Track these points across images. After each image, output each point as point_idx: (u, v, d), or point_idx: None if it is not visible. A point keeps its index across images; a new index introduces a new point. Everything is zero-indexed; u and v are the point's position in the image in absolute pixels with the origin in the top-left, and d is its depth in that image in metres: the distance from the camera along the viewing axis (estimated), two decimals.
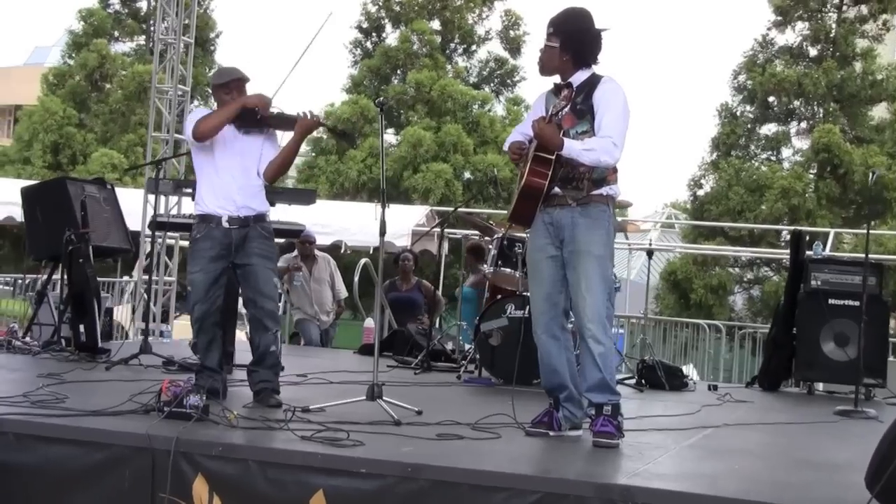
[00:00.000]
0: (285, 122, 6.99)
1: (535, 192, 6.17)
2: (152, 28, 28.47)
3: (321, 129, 7.24)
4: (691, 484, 5.08)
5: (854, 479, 4.65)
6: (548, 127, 6.05)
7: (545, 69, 6.34)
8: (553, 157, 6.10)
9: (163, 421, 5.56)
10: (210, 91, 27.52)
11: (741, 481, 5.26)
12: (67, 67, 28.45)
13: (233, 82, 7.05)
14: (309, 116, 6.91)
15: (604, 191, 6.23)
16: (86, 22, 28.37)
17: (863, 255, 9.60)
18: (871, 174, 8.88)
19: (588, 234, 6.14)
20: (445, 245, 15.84)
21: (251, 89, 7.12)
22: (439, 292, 13.22)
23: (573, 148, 6.04)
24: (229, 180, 6.89)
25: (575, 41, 6.26)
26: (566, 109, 6.13)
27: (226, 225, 6.87)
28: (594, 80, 6.24)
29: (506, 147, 6.53)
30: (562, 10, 6.35)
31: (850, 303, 9.86)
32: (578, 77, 6.26)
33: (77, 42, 28.42)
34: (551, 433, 6.20)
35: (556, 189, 6.18)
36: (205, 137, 6.91)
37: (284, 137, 7.15)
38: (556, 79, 6.35)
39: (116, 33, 29.07)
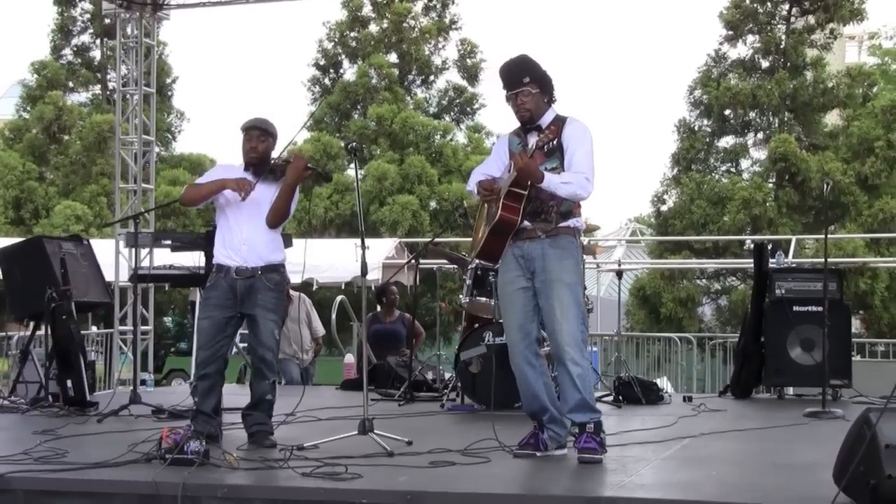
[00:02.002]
0: (283, 167, 7.25)
1: (507, 227, 6.47)
2: (108, 77, 28.62)
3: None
4: (672, 492, 5.39)
5: (823, 477, 4.95)
6: (532, 161, 6.33)
7: (534, 118, 6.59)
8: (525, 193, 6.40)
9: (167, 468, 5.79)
10: (169, 136, 27.98)
11: (719, 486, 5.58)
12: (23, 121, 28.38)
13: (252, 130, 7.32)
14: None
15: (570, 223, 6.57)
16: (39, 74, 28.36)
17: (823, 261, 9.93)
18: (825, 185, 9.23)
19: (559, 264, 6.45)
20: (413, 276, 16.08)
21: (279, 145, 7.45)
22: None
23: (552, 181, 6.36)
24: (237, 231, 7.15)
25: (547, 83, 6.63)
26: (540, 147, 6.41)
27: (233, 275, 7.13)
28: (560, 120, 6.57)
29: (471, 187, 6.78)
30: (519, 59, 6.65)
31: (814, 309, 10.19)
32: (546, 118, 6.59)
33: (31, 95, 28.37)
34: (538, 454, 6.49)
35: (526, 223, 6.49)
36: (187, 205, 7.26)
37: None
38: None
39: (71, 84, 29.08)
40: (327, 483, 5.50)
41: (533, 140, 6.53)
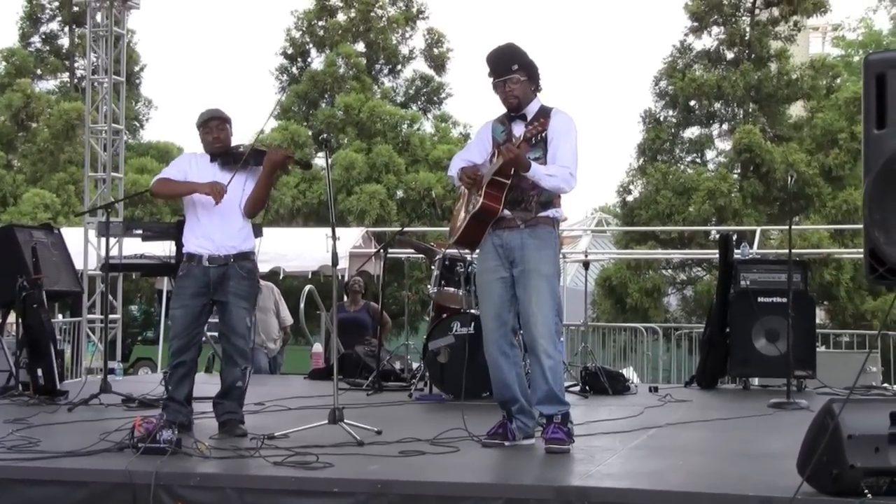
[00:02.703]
0: (258, 156, 7.29)
1: (489, 215, 6.52)
2: (76, 65, 28.55)
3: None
4: (639, 481, 5.49)
5: (787, 467, 5.05)
6: (520, 153, 6.36)
7: (521, 105, 6.64)
8: (508, 182, 6.45)
9: (139, 457, 5.84)
10: (137, 124, 27.95)
11: (684, 475, 5.69)
12: None
13: (211, 121, 7.36)
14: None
15: (550, 213, 6.62)
16: (7, 62, 28.32)
17: (788, 252, 10.06)
18: (790, 177, 9.34)
19: (537, 254, 6.50)
20: (380, 265, 16.13)
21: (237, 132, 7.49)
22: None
23: (538, 171, 6.41)
24: (209, 220, 7.18)
25: (534, 72, 6.66)
26: (528, 139, 6.45)
27: (206, 264, 7.17)
28: (546, 111, 6.62)
29: (452, 173, 6.81)
30: (506, 47, 6.67)
31: (778, 300, 10.31)
32: (532, 107, 6.64)
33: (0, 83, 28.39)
34: (506, 443, 6.57)
35: (506, 212, 6.53)
36: (156, 197, 7.32)
37: None
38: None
39: (39, 71, 29.01)
40: (299, 472, 5.57)
41: (518, 128, 6.58)
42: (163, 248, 10.08)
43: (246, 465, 5.90)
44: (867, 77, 4.37)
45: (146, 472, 5.51)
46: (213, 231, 7.19)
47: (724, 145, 24.58)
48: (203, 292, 7.19)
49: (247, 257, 7.30)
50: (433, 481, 5.37)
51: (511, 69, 6.58)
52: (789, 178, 9.45)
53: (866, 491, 4.68)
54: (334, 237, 6.98)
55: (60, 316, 16.92)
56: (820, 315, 23.28)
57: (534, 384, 6.53)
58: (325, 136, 7.51)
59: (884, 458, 4.70)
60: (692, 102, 24.11)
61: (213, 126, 7.36)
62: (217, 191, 7.12)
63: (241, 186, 7.25)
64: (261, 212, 7.47)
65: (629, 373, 16.12)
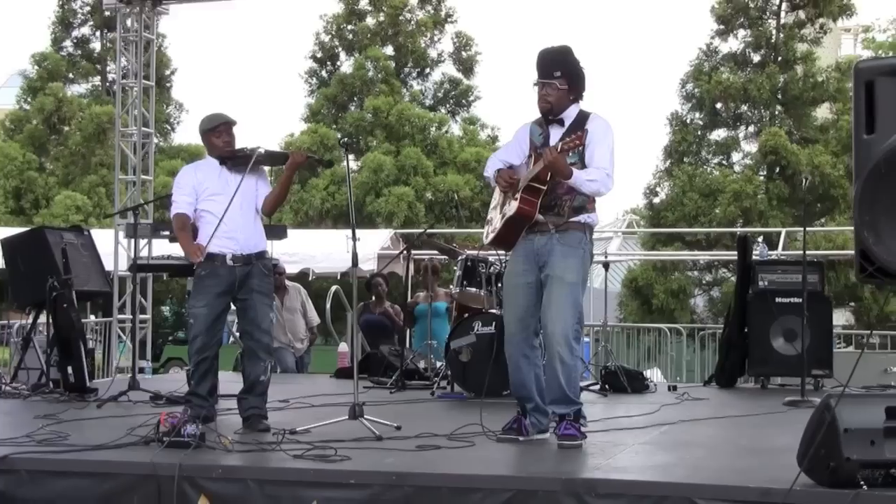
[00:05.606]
0: (276, 158, 7.62)
1: (524, 219, 6.62)
2: (107, 69, 28.88)
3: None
4: (645, 474, 5.63)
5: (791, 461, 5.16)
6: (560, 157, 6.43)
7: (554, 111, 6.69)
8: (544, 188, 6.54)
9: (164, 450, 6.04)
10: (168, 127, 28.26)
11: (690, 469, 5.84)
12: (24, 112, 28.67)
13: (221, 126, 7.59)
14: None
15: (582, 218, 6.67)
16: (40, 66, 28.65)
17: (810, 253, 10.15)
18: (804, 179, 9.48)
19: (563, 261, 6.58)
20: (412, 266, 16.32)
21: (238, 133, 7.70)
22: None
23: (579, 177, 6.48)
24: (229, 220, 7.35)
25: (576, 81, 6.71)
26: (560, 148, 6.46)
27: (230, 263, 7.38)
28: (584, 116, 6.68)
29: (488, 173, 6.92)
30: (557, 51, 6.73)
31: (796, 300, 10.38)
32: (570, 113, 6.71)
33: (32, 86, 28.68)
34: (521, 438, 6.73)
35: (539, 216, 6.61)
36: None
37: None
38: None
39: (71, 75, 29.35)
40: (317, 464, 5.74)
41: (556, 132, 6.65)
42: None
43: (267, 459, 6.10)
44: (857, 84, 4.53)
45: (170, 464, 5.69)
46: (236, 231, 7.39)
47: (751, 147, 24.69)
48: (228, 291, 7.39)
49: (265, 255, 7.57)
50: (446, 473, 5.55)
51: (552, 75, 6.63)
52: (804, 181, 9.59)
53: (862, 483, 4.81)
54: (354, 238, 7.17)
55: (93, 317, 17.17)
56: (847, 317, 23.32)
57: (548, 385, 6.65)
58: (345, 139, 7.76)
59: (879, 451, 4.83)
60: (718, 105, 24.25)
61: (223, 130, 7.60)
62: (196, 254, 7.32)
63: (253, 187, 7.50)
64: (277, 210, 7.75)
65: (654, 373, 16.23)
